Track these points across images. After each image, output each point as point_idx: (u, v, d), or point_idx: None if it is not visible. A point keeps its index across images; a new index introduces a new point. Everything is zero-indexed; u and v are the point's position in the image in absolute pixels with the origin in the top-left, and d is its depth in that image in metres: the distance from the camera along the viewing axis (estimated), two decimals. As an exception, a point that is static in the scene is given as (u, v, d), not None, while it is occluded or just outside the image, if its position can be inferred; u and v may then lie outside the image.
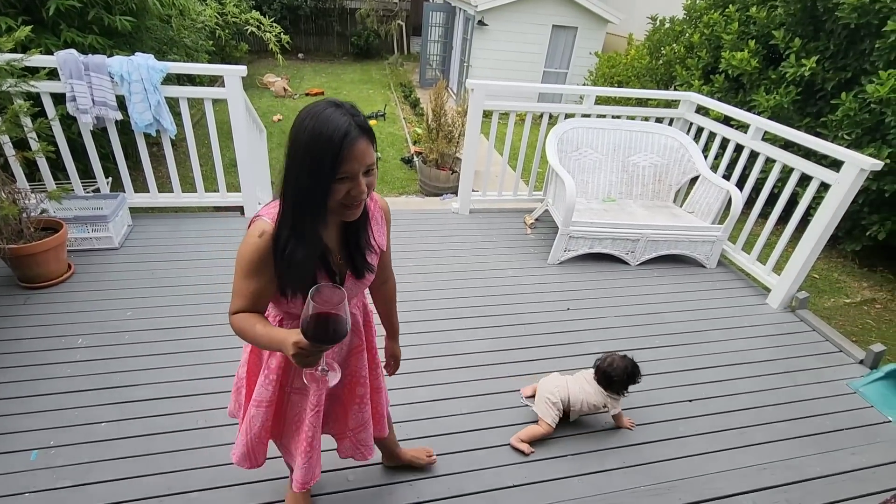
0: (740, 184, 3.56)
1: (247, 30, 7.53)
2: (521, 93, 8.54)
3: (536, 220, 4.02)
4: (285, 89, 10.04)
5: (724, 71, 5.57)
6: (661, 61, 6.92)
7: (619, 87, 7.67)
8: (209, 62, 6.20)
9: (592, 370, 2.14)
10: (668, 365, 2.64)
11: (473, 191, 4.09)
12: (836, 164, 2.89)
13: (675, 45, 6.61)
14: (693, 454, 2.12)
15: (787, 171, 3.23)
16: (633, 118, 4.01)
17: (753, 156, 3.49)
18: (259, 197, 3.73)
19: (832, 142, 3.99)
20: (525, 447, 2.04)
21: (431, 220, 3.92)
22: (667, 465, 2.06)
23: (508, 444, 2.07)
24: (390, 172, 6.85)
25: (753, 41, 5.26)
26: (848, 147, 4.26)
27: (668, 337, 2.86)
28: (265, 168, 4.40)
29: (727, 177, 3.71)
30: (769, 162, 3.37)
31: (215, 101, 3.26)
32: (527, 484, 1.92)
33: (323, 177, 1.00)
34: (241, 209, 3.66)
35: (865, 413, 2.44)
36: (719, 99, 5.59)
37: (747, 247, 3.57)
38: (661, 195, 3.94)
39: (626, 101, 5.41)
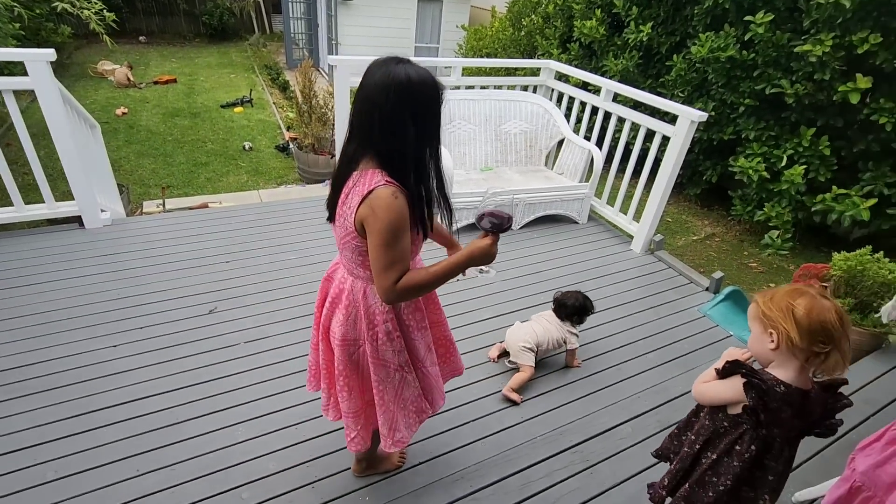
0: (600, 143, 3.86)
1: (56, 6, 6.26)
2: (395, 69, 8.35)
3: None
4: (129, 78, 8.82)
5: (578, 39, 5.95)
6: (523, 32, 7.20)
7: (485, 58, 7.88)
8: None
9: (551, 309, 2.34)
10: (552, 318, 2.83)
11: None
12: (674, 119, 3.24)
13: (533, 16, 6.91)
14: (579, 397, 2.29)
15: (637, 128, 3.56)
16: (499, 87, 4.13)
17: (609, 116, 3.78)
18: (102, 203, 3.24)
19: (671, 99, 4.47)
20: (516, 396, 2.19)
21: (314, 208, 3.72)
22: (558, 412, 2.20)
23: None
24: (265, 162, 6.39)
25: (599, 10, 5.66)
26: (683, 103, 4.83)
27: (550, 293, 3.04)
28: (105, 169, 3.82)
29: (588, 137, 4.00)
30: (621, 121, 3.68)
31: (22, 94, 2.72)
32: (434, 457, 1.93)
33: (438, 116, 1.12)
34: (79, 219, 3.14)
35: (714, 332, 2.83)
36: (576, 65, 5.99)
37: (611, 200, 3.90)
38: (533, 160, 4.13)
39: (493, 72, 5.56)
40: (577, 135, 3.97)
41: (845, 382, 1.05)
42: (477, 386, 2.27)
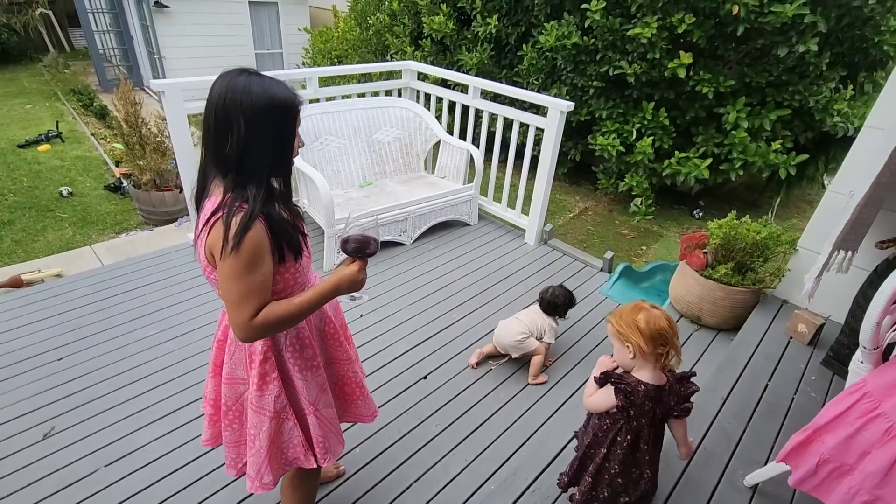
0: (476, 141, 3.78)
1: None
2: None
3: (298, 224, 3.57)
4: None
5: (429, 35, 5.85)
6: (371, 31, 6.91)
7: (338, 62, 7.45)
8: None
9: (536, 304, 2.39)
10: (464, 325, 2.67)
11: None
12: (534, 108, 3.25)
13: (378, 13, 6.65)
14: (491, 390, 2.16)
15: (510, 123, 3.53)
16: (362, 95, 3.83)
17: (481, 114, 3.71)
18: None
19: (526, 88, 4.56)
20: (543, 377, 2.31)
21: (172, 262, 3.09)
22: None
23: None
24: (94, 208, 5.28)
25: (445, 4, 5.60)
26: (538, 90, 5.00)
27: (455, 299, 2.90)
28: None
29: (464, 136, 3.90)
30: (493, 116, 3.62)
31: None
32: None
33: (291, 135, 1.05)
34: None
35: (618, 312, 2.91)
36: (431, 62, 5.89)
37: (497, 197, 3.87)
38: (412, 167, 3.92)
39: (354, 79, 5.21)
40: (453, 135, 3.85)
41: (693, 374, 1.34)
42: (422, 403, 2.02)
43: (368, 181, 3.69)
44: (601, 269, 3.34)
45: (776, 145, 4.36)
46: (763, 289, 2.45)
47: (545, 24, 4.76)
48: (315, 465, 1.32)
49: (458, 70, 5.28)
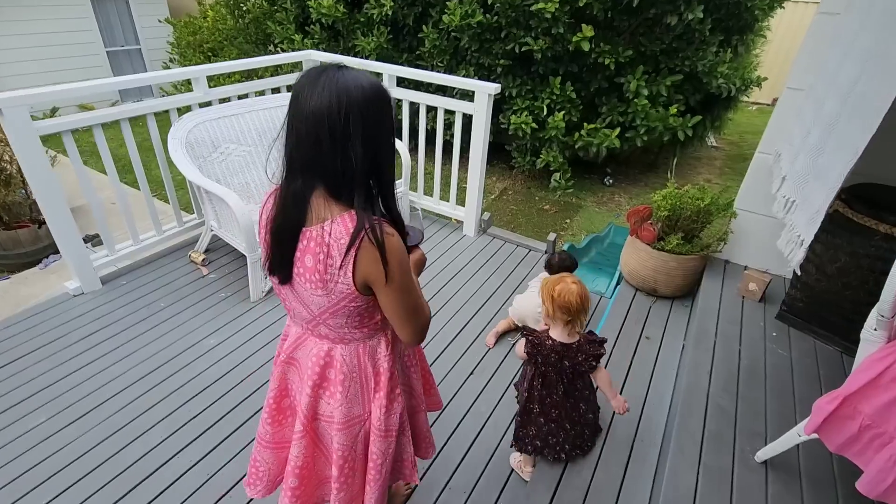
0: (398, 133, 3.47)
1: None
2: (98, 94, 6.37)
3: (206, 252, 3.04)
4: None
5: (318, 20, 5.33)
6: (247, 19, 6.16)
7: (211, 56, 6.58)
8: None
9: (545, 274, 2.35)
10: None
11: (90, 246, 2.73)
12: (441, 90, 3.04)
13: (254, -1, 5.94)
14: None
15: (434, 111, 3.28)
16: (261, 93, 3.33)
17: (399, 103, 3.40)
18: None
19: (430, 70, 4.32)
20: None
21: (45, 324, 2.44)
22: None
23: None
24: (-80, 261, 4.14)
25: (332, -14, 5.12)
26: (444, 72, 4.77)
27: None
28: None
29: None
30: (414, 106, 3.34)
31: None
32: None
33: (388, 138, 0.93)
34: None
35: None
36: (322, 49, 5.39)
37: (428, 190, 3.62)
38: (330, 168, 3.52)
39: (247, 75, 4.58)
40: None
41: (605, 340, 1.56)
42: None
43: (284, 190, 3.23)
44: (545, 252, 3.26)
45: (673, 109, 4.59)
46: (711, 253, 2.51)
47: (448, 4, 4.52)
48: (416, 481, 1.31)
49: (355, 56, 4.87)
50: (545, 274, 2.40)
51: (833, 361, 1.99)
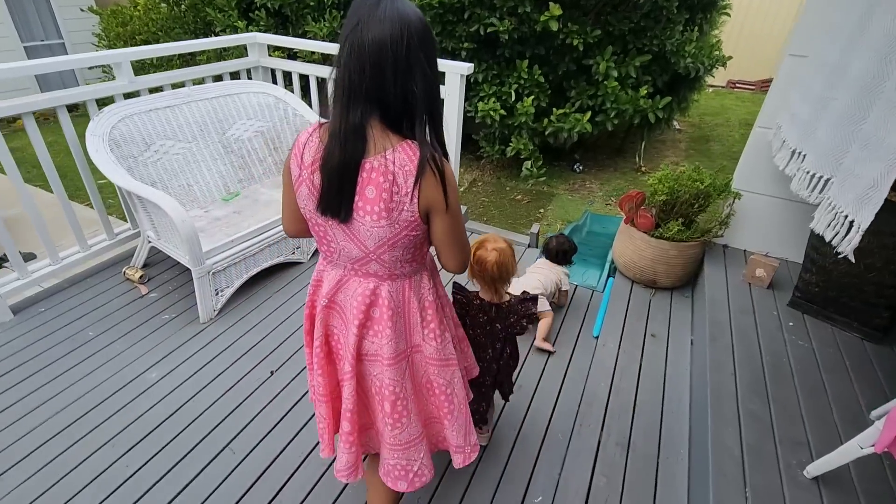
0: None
1: None
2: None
3: (145, 267, 2.60)
4: None
5: (263, 5, 4.86)
6: (183, 6, 5.58)
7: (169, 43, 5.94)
8: None
9: (542, 260, 2.36)
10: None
11: None
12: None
13: (190, -17, 5.36)
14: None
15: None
16: (199, 82, 2.89)
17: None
18: None
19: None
20: (549, 345, 2.13)
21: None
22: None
23: None
24: None
25: (276, -34, 4.65)
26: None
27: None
28: None
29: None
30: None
31: None
32: None
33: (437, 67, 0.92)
34: None
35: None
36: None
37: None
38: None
39: (183, 61, 4.07)
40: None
41: (536, 298, 1.48)
42: None
43: (233, 191, 2.83)
44: (528, 246, 3.01)
45: (643, 91, 4.43)
46: (711, 238, 2.31)
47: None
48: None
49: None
50: (544, 259, 2.37)
51: (856, 349, 1.83)
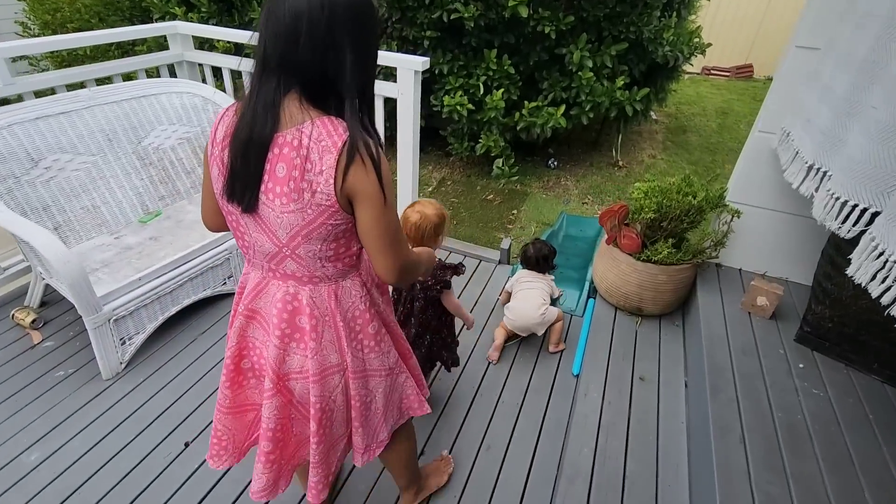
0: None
1: None
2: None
3: (42, 307, 2.15)
4: None
5: (203, -11, 4.32)
6: (117, -9, 4.97)
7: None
8: None
9: (525, 270, 2.12)
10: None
11: None
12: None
13: (121, -35, 4.76)
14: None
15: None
16: (106, 81, 2.42)
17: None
18: None
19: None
20: (561, 346, 2.04)
21: None
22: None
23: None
24: None
25: (214, -55, 4.11)
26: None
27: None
28: None
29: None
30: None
31: None
32: None
33: (376, 50, 0.85)
34: None
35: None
36: (215, 24, 4.40)
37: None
38: (220, 175, 2.69)
39: (89, 55, 3.53)
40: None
41: (458, 266, 1.52)
42: None
43: (153, 211, 2.38)
44: (499, 262, 2.66)
45: (619, 82, 4.10)
46: (704, 260, 1.99)
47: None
48: (428, 411, 1.18)
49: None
50: (524, 270, 2.14)
51: (878, 397, 1.54)
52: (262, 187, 0.79)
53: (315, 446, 0.99)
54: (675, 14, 4.30)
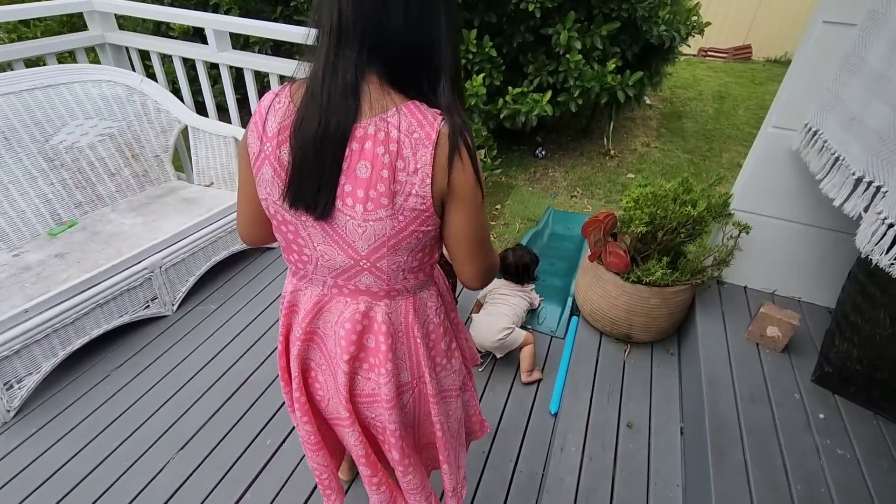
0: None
1: None
2: None
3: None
4: None
5: (153, -37, 3.87)
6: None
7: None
8: None
9: (502, 280, 1.92)
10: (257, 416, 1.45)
11: None
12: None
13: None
14: None
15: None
16: (6, 68, 2.04)
17: (240, 73, 2.24)
18: None
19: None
20: (538, 374, 1.74)
21: None
22: None
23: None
24: None
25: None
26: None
27: (270, 369, 1.67)
28: None
29: (226, 116, 2.40)
30: (264, 77, 2.20)
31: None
32: None
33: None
34: None
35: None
36: (169, 5, 3.97)
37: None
38: (152, 177, 2.32)
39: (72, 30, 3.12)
40: (210, 116, 2.34)
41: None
42: None
43: (67, 221, 2.03)
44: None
45: (611, 65, 3.73)
46: (704, 280, 1.67)
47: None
48: (489, 429, 1.11)
49: (213, 12, 3.55)
50: (501, 280, 1.94)
51: (917, 459, 1.24)
52: (338, 192, 0.65)
53: (402, 475, 0.90)
54: (671, -11, 3.91)
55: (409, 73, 0.64)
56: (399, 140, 0.62)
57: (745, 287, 1.80)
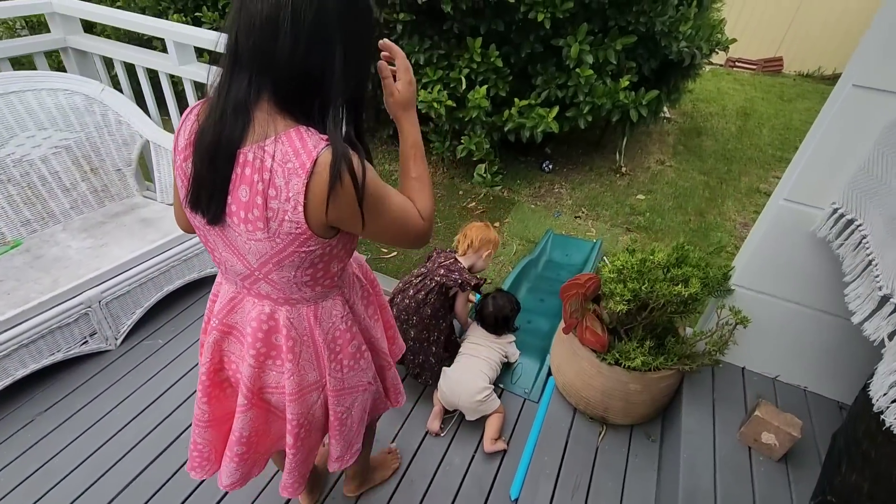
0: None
1: None
2: None
3: None
4: None
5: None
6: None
7: None
8: None
9: (478, 331, 1.78)
10: None
11: None
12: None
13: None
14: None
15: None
16: (-40, 72, 1.89)
17: (200, 86, 2.04)
18: None
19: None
20: (502, 444, 1.57)
21: None
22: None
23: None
24: None
25: None
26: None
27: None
28: None
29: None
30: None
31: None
32: None
33: (371, 46, 0.74)
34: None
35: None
36: (109, 5, 3.80)
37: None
38: (112, 193, 2.16)
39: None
40: (172, 131, 2.15)
41: (473, 283, 1.62)
42: None
43: (10, 241, 1.88)
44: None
45: (624, 82, 3.45)
46: (693, 365, 1.44)
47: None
48: (400, 404, 1.16)
49: (198, 25, 3.38)
50: (479, 329, 1.79)
51: None
52: (227, 209, 0.70)
53: (291, 456, 0.96)
54: (694, 3, 3.59)
55: (299, 99, 0.66)
56: (272, 169, 0.65)
57: (743, 368, 1.57)
